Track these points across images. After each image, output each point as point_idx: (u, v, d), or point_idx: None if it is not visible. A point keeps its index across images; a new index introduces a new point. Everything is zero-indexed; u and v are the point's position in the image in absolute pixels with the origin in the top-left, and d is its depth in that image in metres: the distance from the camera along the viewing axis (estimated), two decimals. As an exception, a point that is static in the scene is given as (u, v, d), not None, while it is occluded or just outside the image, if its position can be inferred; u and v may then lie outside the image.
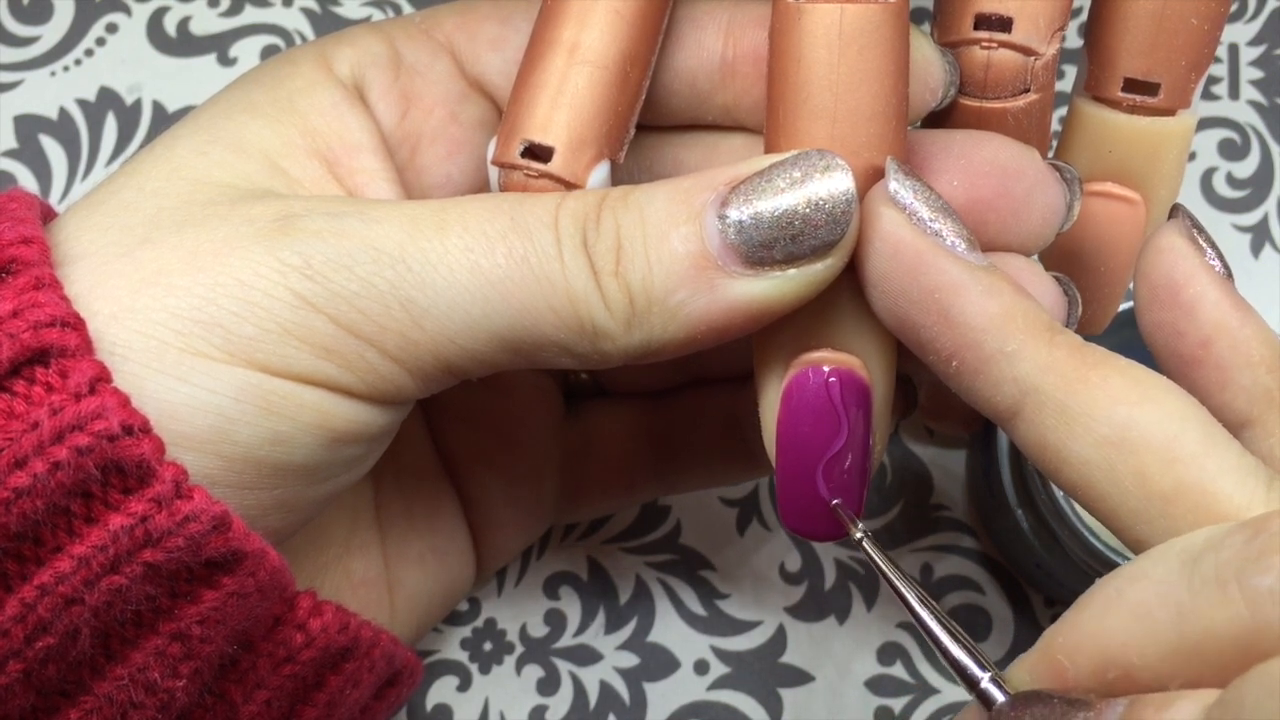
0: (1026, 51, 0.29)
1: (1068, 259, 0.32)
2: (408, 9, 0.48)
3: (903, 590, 0.27)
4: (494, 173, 0.30)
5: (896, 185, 0.27)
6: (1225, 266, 0.27)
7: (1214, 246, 0.28)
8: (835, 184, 0.26)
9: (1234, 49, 0.48)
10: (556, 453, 0.39)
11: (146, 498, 0.25)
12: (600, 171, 0.29)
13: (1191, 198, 0.46)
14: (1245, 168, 0.47)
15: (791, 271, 0.27)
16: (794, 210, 0.26)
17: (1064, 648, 0.24)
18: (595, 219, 0.27)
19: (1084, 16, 0.32)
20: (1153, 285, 0.27)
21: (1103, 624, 0.24)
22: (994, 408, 0.26)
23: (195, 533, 0.25)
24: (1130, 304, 0.39)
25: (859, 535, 0.29)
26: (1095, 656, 0.24)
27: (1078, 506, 0.38)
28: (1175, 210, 0.28)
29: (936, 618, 0.26)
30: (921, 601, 0.27)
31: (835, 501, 0.29)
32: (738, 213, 0.27)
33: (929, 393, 0.35)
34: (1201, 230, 0.28)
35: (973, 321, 0.26)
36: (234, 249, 0.27)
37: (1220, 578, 0.22)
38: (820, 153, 0.27)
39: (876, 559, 0.28)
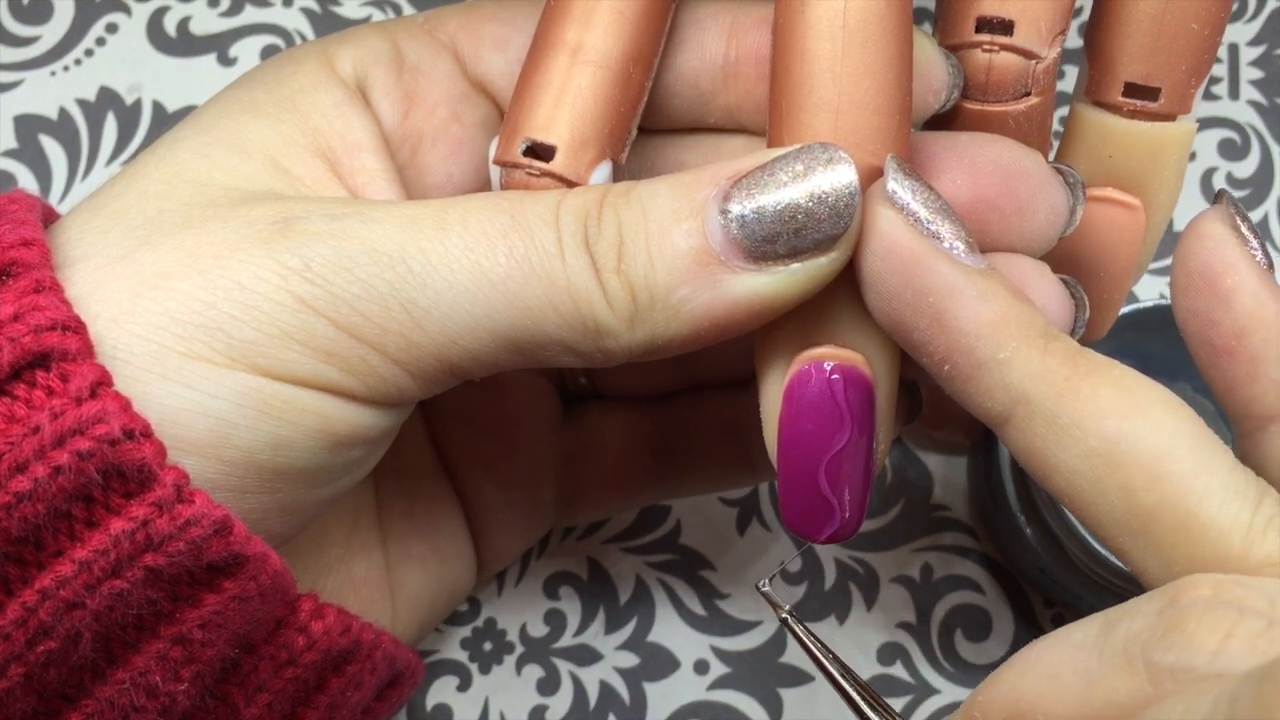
0: (1028, 55, 0.29)
1: (1067, 264, 0.32)
2: (408, 9, 0.48)
3: (826, 664, 0.29)
4: (496, 172, 0.30)
5: (895, 185, 0.26)
6: (1266, 257, 0.27)
7: (1256, 235, 0.27)
8: (838, 177, 0.26)
9: (1234, 49, 0.48)
10: (554, 456, 0.39)
11: (147, 502, 0.25)
12: (602, 171, 0.29)
13: (1191, 198, 0.46)
14: (1245, 168, 0.47)
15: (795, 266, 0.26)
16: (797, 204, 0.26)
17: (981, 705, 0.24)
18: (597, 216, 0.27)
19: (1085, 16, 0.32)
20: (1190, 272, 0.27)
21: (1016, 683, 0.24)
22: (985, 413, 0.26)
23: (196, 537, 0.25)
24: (1130, 308, 0.39)
25: (784, 614, 0.30)
26: (1005, 715, 0.24)
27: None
28: (1220, 196, 0.28)
29: (857, 687, 0.28)
30: (844, 673, 0.28)
31: (764, 588, 0.30)
32: (740, 207, 0.26)
33: (928, 399, 0.35)
34: (1245, 218, 0.27)
35: (966, 327, 0.26)
36: (234, 251, 0.27)
37: (1128, 650, 0.22)
38: (823, 146, 0.26)
39: (801, 636, 0.29)
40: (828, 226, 0.26)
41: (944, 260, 0.26)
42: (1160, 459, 0.24)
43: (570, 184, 0.29)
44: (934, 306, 0.26)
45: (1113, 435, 0.24)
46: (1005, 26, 0.29)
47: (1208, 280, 0.27)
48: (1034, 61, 0.30)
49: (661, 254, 0.27)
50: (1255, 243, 0.27)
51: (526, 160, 0.29)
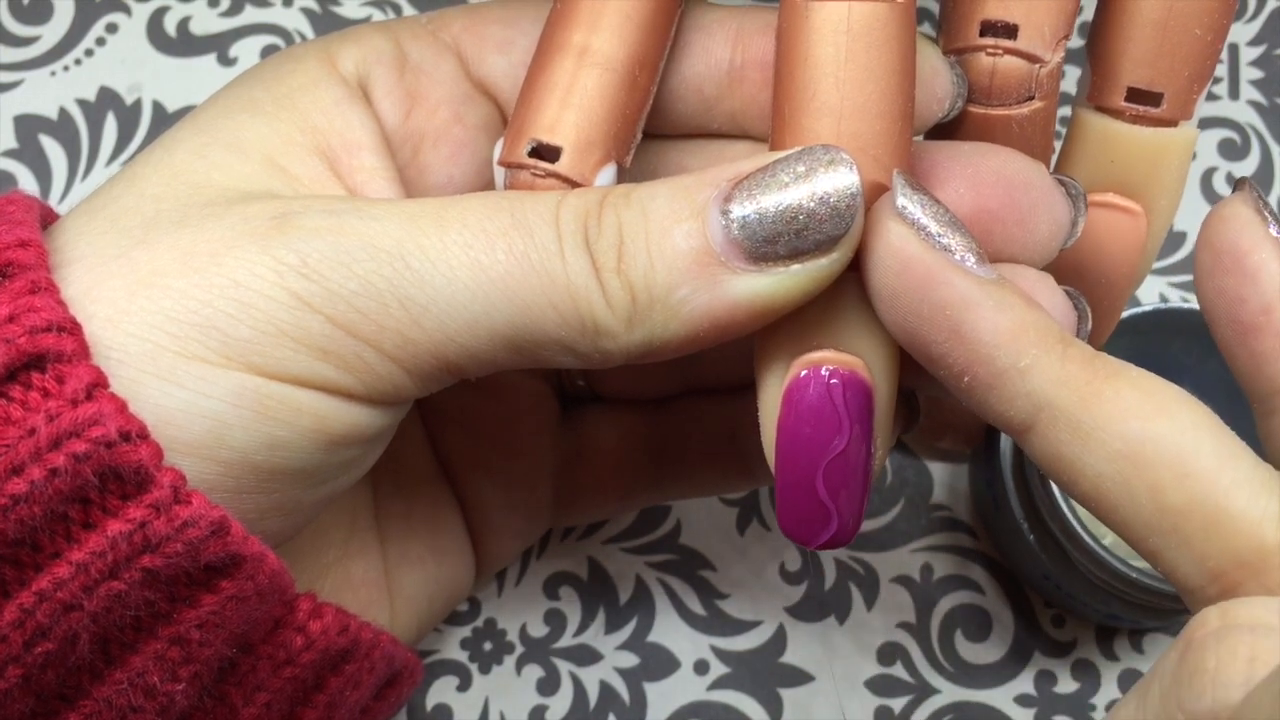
0: (1031, 59, 0.29)
1: (1068, 271, 0.32)
2: (408, 9, 0.48)
3: None
4: (500, 173, 0.30)
5: (904, 199, 0.26)
6: None
7: (1277, 220, 0.27)
8: (840, 178, 0.26)
9: (1234, 49, 0.48)
10: (552, 458, 0.39)
11: (145, 503, 0.25)
12: (607, 173, 0.29)
13: (1192, 198, 0.46)
14: (1245, 168, 0.47)
15: (795, 267, 0.26)
16: (798, 204, 0.26)
17: None
18: (597, 216, 0.27)
19: (1085, 16, 0.32)
20: (1216, 251, 0.27)
21: None
22: (1007, 422, 0.26)
23: (194, 538, 0.25)
24: (1131, 311, 0.39)
25: None
26: None
27: (1085, 519, 0.38)
28: (1241, 183, 0.28)
29: None
30: None
31: None
32: (741, 208, 0.26)
33: (926, 410, 0.35)
34: (1266, 203, 0.27)
35: (985, 337, 0.26)
36: (230, 248, 0.26)
37: (1166, 710, 0.23)
38: (824, 147, 0.26)
39: None
40: (829, 227, 0.26)
41: (958, 273, 0.26)
42: (1185, 457, 0.24)
43: (575, 185, 0.29)
44: (951, 319, 0.26)
45: (1137, 436, 0.24)
46: (1009, 30, 0.29)
47: (1234, 258, 0.27)
48: (1038, 65, 0.29)
49: (661, 254, 0.27)
50: (1276, 225, 0.27)
51: (532, 161, 0.29)
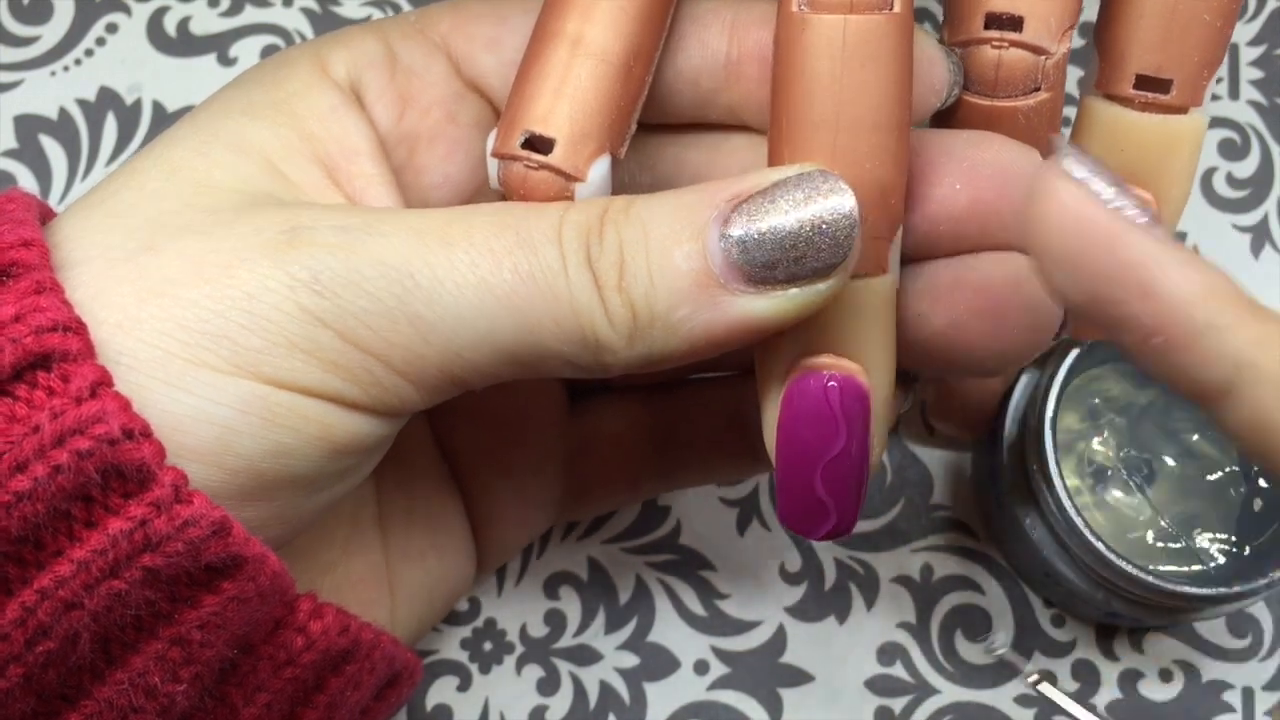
0: (1037, 50, 0.29)
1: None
2: (407, 9, 0.48)
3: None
4: (493, 165, 0.29)
5: (1073, 162, 0.25)
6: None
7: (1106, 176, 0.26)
8: (839, 207, 0.26)
9: (1234, 49, 0.48)
10: (560, 447, 0.39)
11: (146, 502, 0.25)
12: (601, 165, 0.29)
13: (1192, 198, 0.46)
14: (1245, 168, 0.47)
15: (793, 291, 0.27)
16: (797, 233, 0.26)
17: None
18: (598, 233, 0.27)
19: (1088, 15, 0.32)
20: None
21: None
22: (1200, 385, 0.25)
23: (195, 537, 0.25)
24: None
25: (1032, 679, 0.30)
26: None
27: (1086, 516, 0.38)
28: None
29: None
30: None
31: (994, 650, 0.30)
32: (741, 231, 0.27)
33: (935, 392, 0.35)
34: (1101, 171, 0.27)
35: (1181, 294, 0.24)
36: (242, 260, 0.27)
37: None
38: (824, 174, 0.27)
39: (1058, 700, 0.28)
40: (827, 255, 0.26)
41: (1138, 231, 0.25)
42: None
43: (569, 177, 0.29)
44: (1139, 278, 0.24)
45: None
46: (1014, 23, 0.29)
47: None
48: (1043, 57, 0.29)
49: (662, 274, 0.27)
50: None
51: (525, 153, 0.29)
